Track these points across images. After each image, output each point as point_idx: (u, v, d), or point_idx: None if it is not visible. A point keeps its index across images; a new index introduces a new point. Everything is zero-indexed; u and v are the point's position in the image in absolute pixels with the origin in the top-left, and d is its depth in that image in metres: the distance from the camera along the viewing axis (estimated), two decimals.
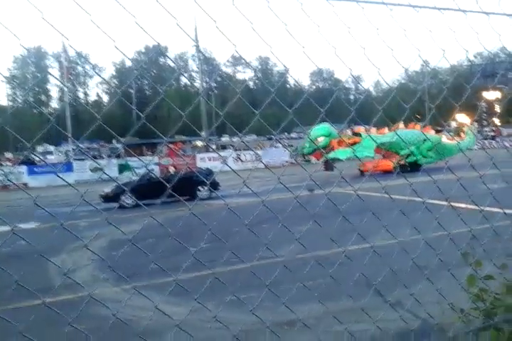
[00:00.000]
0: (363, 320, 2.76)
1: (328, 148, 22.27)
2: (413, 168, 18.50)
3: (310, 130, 19.49)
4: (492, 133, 51.57)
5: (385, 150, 22.38)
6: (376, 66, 2.70)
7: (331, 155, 21.72)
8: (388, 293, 2.93)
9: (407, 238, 2.99)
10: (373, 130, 22.55)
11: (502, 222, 3.18)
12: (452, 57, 3.04)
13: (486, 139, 47.05)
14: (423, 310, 2.63)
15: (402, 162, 21.18)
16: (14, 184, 16.79)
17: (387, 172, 18.97)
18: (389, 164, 20.07)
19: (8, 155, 55.12)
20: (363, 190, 2.79)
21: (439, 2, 2.74)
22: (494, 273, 2.83)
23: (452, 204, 2.78)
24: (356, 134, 22.73)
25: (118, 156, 33.30)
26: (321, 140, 22.04)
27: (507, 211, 3.07)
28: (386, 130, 22.67)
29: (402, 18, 2.64)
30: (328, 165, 20.67)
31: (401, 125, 21.11)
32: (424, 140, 21.32)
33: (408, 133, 21.23)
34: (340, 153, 21.27)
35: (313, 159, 23.49)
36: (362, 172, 20.78)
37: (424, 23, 2.74)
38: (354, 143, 21.65)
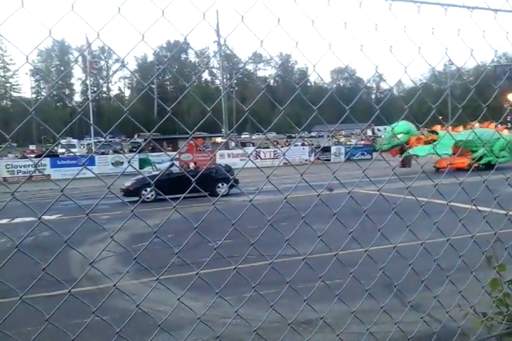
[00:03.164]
0: (382, 321, 2.74)
1: (407, 145, 23.20)
2: (487, 166, 19.77)
3: (390, 127, 20.18)
4: None
5: (461, 148, 22.80)
6: (403, 64, 2.68)
7: (410, 151, 22.52)
8: (408, 294, 2.90)
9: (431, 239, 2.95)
10: (449, 128, 23.01)
11: None
12: (476, 58, 2.99)
13: None
14: (444, 314, 2.59)
15: (476, 161, 21.72)
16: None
17: (460, 170, 19.22)
18: (463, 162, 20.66)
19: (32, 147, 56.10)
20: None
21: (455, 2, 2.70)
22: None
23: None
24: (433, 132, 23.42)
25: (139, 150, 33.57)
26: (400, 137, 23.01)
27: None
28: (461, 128, 23.16)
29: (428, 16, 2.61)
30: (406, 161, 21.61)
31: (476, 124, 21.49)
32: (498, 138, 21.53)
33: (483, 131, 21.51)
34: (419, 149, 22.07)
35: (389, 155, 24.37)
36: (437, 169, 21.64)
37: (451, 23, 2.70)
38: (432, 141, 22.39)
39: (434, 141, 22.45)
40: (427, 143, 22.77)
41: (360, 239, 2.70)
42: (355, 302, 2.79)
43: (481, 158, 22.73)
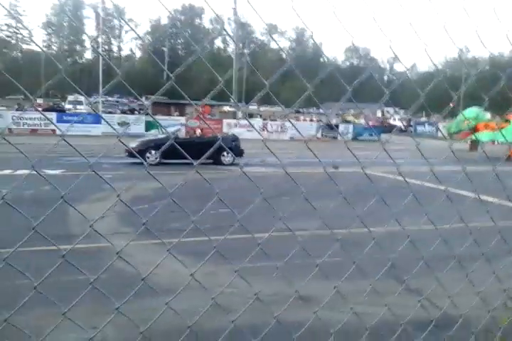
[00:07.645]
0: (380, 303, 2.71)
1: (473, 130, 24.42)
2: None
3: (460, 111, 21.84)
4: None
5: None
6: (426, 44, 2.56)
7: (473, 136, 23.59)
8: (411, 279, 2.86)
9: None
10: None
11: None
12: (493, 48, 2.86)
13: None
14: (447, 301, 2.56)
15: None
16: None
17: None
18: None
19: (40, 100, 55.70)
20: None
21: None
22: None
23: None
24: (507, 120, 23.91)
25: (145, 113, 33.26)
26: (469, 122, 24.12)
27: None
28: None
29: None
30: (473, 145, 23.06)
31: None
32: None
33: None
34: (481, 135, 23.03)
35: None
36: (509, 157, 22.21)
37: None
38: (500, 128, 23.05)
39: (503, 128, 23.31)
40: (493, 130, 23.63)
41: (366, 220, 2.64)
42: (355, 281, 2.76)
43: None
